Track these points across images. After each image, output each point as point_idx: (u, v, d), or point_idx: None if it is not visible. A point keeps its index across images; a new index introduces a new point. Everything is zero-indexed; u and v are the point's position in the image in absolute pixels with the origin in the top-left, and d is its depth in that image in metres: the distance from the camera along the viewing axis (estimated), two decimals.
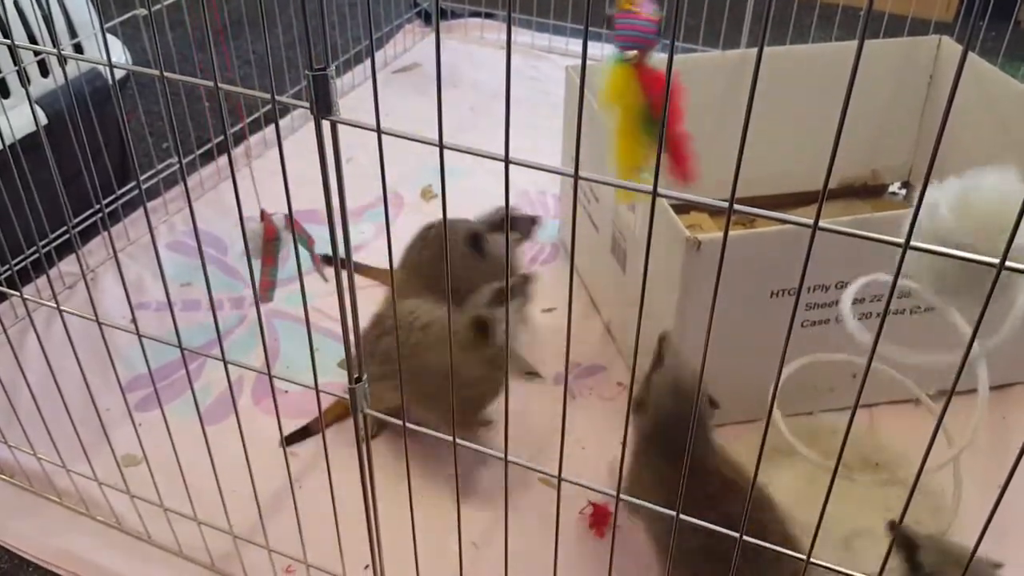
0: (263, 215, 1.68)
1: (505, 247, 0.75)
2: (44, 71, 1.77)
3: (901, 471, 1.40)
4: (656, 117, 1.24)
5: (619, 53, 1.22)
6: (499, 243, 1.49)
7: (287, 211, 1.09)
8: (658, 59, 1.26)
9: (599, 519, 1.35)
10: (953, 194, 0.97)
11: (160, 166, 2.07)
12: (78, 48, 1.85)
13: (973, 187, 0.96)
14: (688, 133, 1.29)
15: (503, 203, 0.72)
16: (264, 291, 1.66)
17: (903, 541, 1.01)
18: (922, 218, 0.99)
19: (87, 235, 1.92)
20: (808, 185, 1.92)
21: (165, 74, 0.79)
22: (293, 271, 1.88)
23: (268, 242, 1.81)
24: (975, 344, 1.09)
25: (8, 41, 0.95)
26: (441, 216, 0.79)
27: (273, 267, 1.68)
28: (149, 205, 1.51)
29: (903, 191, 2.08)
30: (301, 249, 1.70)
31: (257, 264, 1.69)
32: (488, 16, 2.99)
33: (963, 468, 1.25)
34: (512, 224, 1.38)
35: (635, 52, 1.21)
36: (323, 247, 1.90)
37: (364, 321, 1.21)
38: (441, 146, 0.69)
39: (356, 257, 0.87)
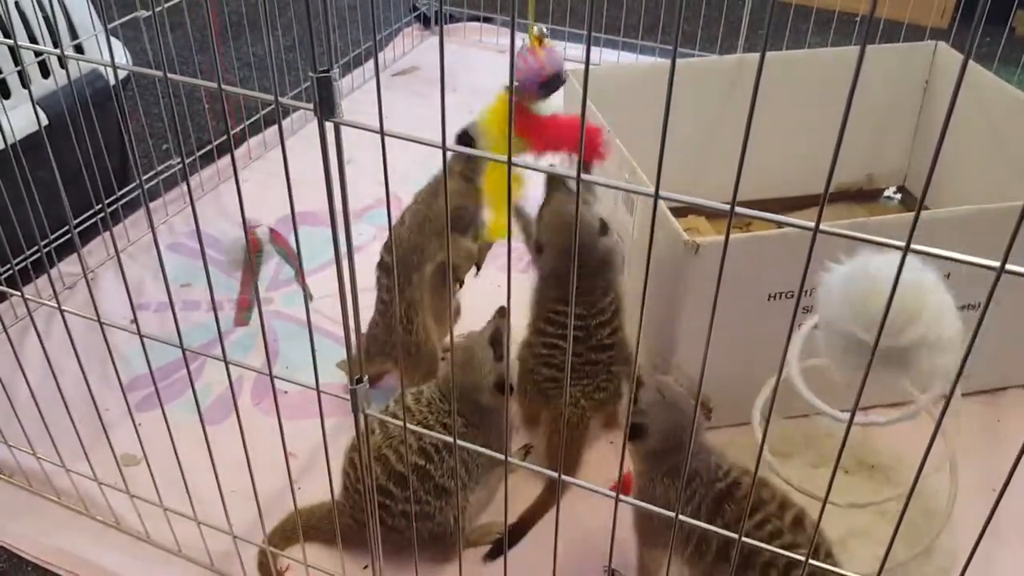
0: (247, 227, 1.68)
1: (507, 253, 0.75)
2: (45, 72, 1.78)
3: (896, 474, 1.41)
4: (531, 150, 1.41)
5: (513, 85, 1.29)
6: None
7: (284, 215, 1.07)
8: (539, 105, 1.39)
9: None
10: (839, 280, 0.99)
11: (160, 167, 2.08)
12: (79, 49, 1.86)
13: (855, 274, 0.97)
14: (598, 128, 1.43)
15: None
16: (242, 311, 1.66)
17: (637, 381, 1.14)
18: (823, 310, 1.02)
19: (86, 236, 1.92)
20: (801, 190, 1.93)
21: (168, 75, 0.80)
22: (290, 272, 1.88)
23: (251, 255, 1.80)
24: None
25: (9, 41, 0.96)
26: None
27: (252, 283, 1.68)
28: (149, 206, 1.51)
29: (898, 195, 2.09)
30: (285, 261, 1.69)
31: (238, 278, 1.68)
32: (487, 20, 3.01)
33: (958, 470, 1.26)
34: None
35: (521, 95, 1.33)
36: (308, 259, 1.88)
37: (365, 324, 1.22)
38: (444, 148, 0.70)
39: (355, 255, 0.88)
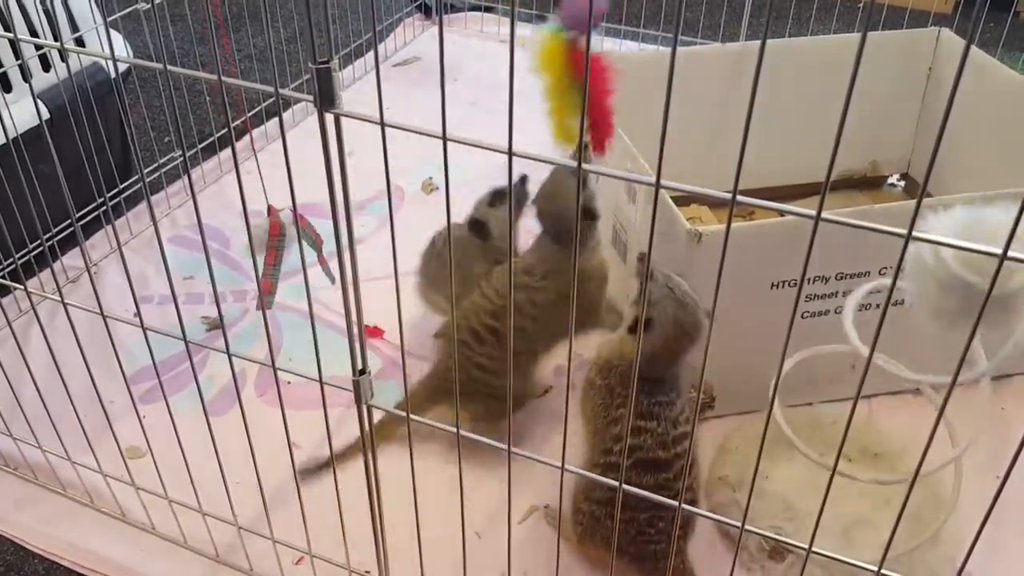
0: (270, 210, 1.69)
1: (509, 240, 0.75)
2: (46, 65, 1.78)
3: (901, 462, 1.41)
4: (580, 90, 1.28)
5: (558, 28, 1.27)
6: (501, 220, 1.52)
7: (286, 207, 1.08)
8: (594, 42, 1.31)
9: None
10: (954, 228, 0.92)
11: (162, 160, 2.08)
12: (79, 42, 1.85)
13: (976, 221, 0.91)
14: (611, 109, 1.36)
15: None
16: (265, 293, 1.67)
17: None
18: (924, 254, 0.95)
19: (89, 229, 1.92)
20: (805, 178, 1.93)
21: (169, 68, 0.80)
22: (294, 264, 1.88)
23: (273, 239, 1.82)
24: (976, 340, 1.07)
25: (9, 35, 0.96)
26: (443, 211, 0.80)
27: (275, 267, 1.69)
28: (151, 199, 1.52)
29: (902, 183, 2.08)
30: (306, 246, 1.70)
31: (260, 261, 1.69)
32: (488, 10, 2.99)
33: (963, 458, 1.26)
34: (505, 197, 1.44)
35: (574, 33, 1.24)
36: (332, 245, 1.90)
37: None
38: (444, 139, 0.69)
39: (357, 248, 0.89)
